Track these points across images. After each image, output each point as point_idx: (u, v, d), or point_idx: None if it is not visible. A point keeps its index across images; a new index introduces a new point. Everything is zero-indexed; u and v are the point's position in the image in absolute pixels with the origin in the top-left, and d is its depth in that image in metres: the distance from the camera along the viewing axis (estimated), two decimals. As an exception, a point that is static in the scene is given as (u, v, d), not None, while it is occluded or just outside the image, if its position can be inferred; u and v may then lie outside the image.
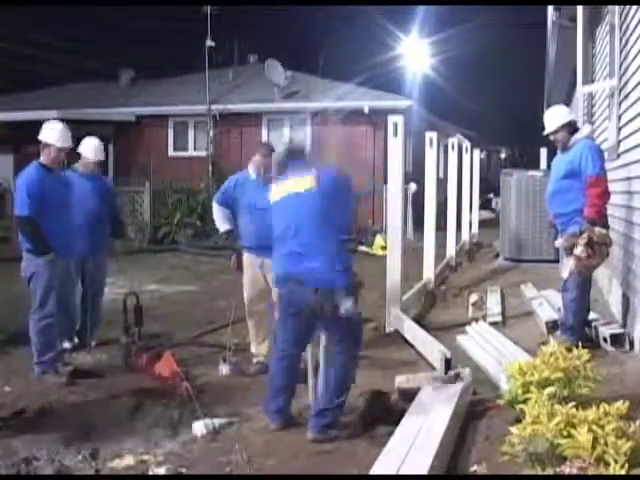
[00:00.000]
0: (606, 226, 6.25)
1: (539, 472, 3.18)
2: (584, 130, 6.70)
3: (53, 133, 6.45)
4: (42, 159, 6.48)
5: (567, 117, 6.57)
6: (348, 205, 5.18)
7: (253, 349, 6.73)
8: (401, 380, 5.47)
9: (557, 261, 11.19)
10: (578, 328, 6.34)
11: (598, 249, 6.03)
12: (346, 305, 4.68)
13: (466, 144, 15.59)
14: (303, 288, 4.77)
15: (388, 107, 18.36)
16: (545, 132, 6.63)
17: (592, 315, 6.75)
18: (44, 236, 6.29)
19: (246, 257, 6.60)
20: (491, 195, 28.72)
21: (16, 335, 7.74)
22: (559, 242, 6.47)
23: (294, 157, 5.21)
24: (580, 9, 8.49)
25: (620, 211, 7.34)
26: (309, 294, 4.74)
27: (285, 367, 5.04)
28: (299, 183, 4.92)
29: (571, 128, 6.51)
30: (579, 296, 6.35)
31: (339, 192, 4.96)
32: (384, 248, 12.41)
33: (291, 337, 5.04)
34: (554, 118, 6.56)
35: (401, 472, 3.62)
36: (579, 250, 5.92)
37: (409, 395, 5.11)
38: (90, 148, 7.57)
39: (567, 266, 6.18)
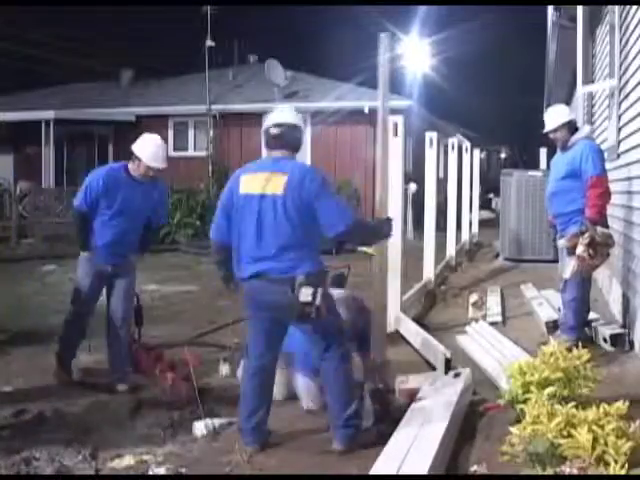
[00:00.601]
0: (606, 226, 6.25)
1: (539, 472, 3.18)
2: (584, 130, 6.70)
3: (146, 150, 6.23)
4: (130, 165, 6.35)
5: (567, 116, 6.56)
6: (326, 203, 4.58)
7: None
8: (401, 380, 5.47)
9: (557, 261, 11.21)
10: (578, 328, 6.34)
11: (600, 249, 6.03)
12: (304, 294, 4.48)
13: (466, 144, 15.58)
14: (264, 282, 4.58)
15: (388, 107, 18.36)
16: (545, 130, 6.62)
17: (592, 315, 6.75)
18: (87, 233, 6.12)
19: None
20: (491, 195, 28.71)
21: (17, 335, 7.75)
22: (561, 242, 6.42)
23: (287, 140, 4.73)
24: (580, 9, 8.49)
25: (620, 211, 7.34)
26: (268, 286, 4.57)
27: (257, 385, 4.74)
28: (268, 182, 4.60)
29: (571, 127, 6.50)
30: (579, 296, 6.35)
31: (310, 194, 4.52)
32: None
33: (260, 343, 4.76)
34: (555, 116, 6.55)
35: (401, 472, 3.62)
36: (581, 250, 5.91)
37: (409, 395, 5.11)
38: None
39: (569, 266, 6.17)
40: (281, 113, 4.89)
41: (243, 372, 4.96)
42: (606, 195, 6.25)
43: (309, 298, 4.47)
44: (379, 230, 5.17)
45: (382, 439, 4.30)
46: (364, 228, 5.14)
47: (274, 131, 4.73)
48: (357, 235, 4.89)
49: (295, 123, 4.78)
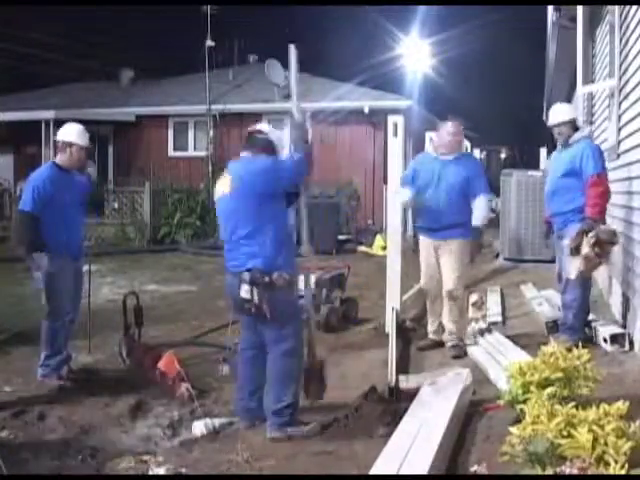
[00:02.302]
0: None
1: (539, 472, 3.18)
2: (584, 130, 6.72)
3: (73, 132, 6.43)
4: (59, 159, 6.48)
5: (572, 114, 6.69)
6: (276, 183, 4.89)
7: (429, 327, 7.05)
8: (401, 380, 5.47)
9: (554, 261, 11.21)
10: (579, 328, 6.35)
11: (606, 247, 6.03)
12: (243, 291, 4.71)
13: (466, 144, 15.58)
14: (231, 277, 4.90)
15: (388, 107, 18.38)
16: (549, 123, 6.70)
17: (592, 315, 6.76)
18: (37, 234, 6.16)
19: (421, 239, 7.07)
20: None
21: (17, 335, 7.75)
22: (565, 242, 6.38)
23: (256, 148, 5.06)
24: (580, 9, 8.49)
25: (620, 211, 7.34)
26: (234, 280, 4.85)
27: (243, 368, 5.14)
28: (224, 184, 5.00)
29: (573, 125, 6.56)
30: (579, 296, 6.36)
31: (254, 185, 4.82)
32: (384, 248, 12.41)
33: (243, 333, 5.23)
34: (560, 112, 6.64)
35: (401, 472, 3.62)
36: (587, 250, 5.90)
37: (409, 395, 5.11)
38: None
39: (574, 267, 6.15)
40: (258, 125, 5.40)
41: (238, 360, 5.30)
42: (607, 194, 6.26)
43: (247, 295, 4.73)
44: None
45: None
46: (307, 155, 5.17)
47: (247, 136, 5.21)
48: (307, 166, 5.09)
49: (263, 130, 5.20)
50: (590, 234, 5.90)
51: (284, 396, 4.85)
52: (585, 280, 6.34)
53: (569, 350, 4.47)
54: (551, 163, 6.92)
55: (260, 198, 4.81)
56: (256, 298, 4.70)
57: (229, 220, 4.95)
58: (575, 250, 6.08)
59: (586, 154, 6.25)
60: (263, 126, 5.36)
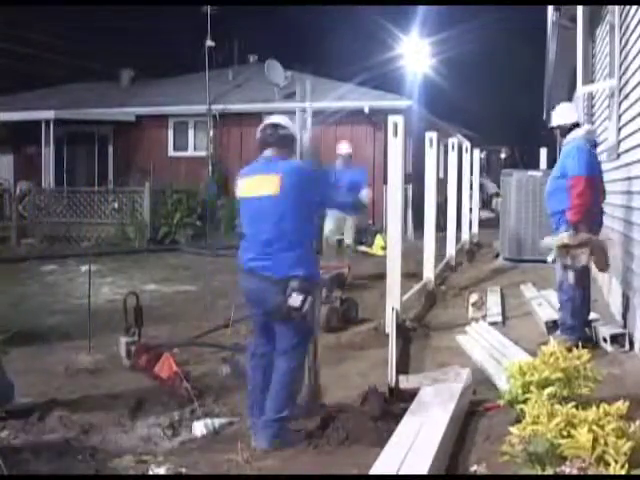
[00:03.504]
0: (592, 229, 6.30)
1: (539, 472, 3.18)
2: (579, 130, 6.67)
3: None
4: None
5: (569, 118, 6.71)
6: (321, 193, 4.85)
7: None
8: (401, 380, 5.47)
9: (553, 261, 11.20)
10: (578, 328, 6.35)
11: (574, 252, 6.07)
12: (294, 300, 4.55)
13: (466, 144, 15.58)
14: (257, 278, 4.71)
15: (388, 107, 18.39)
16: (551, 124, 6.86)
17: (592, 315, 6.76)
18: None
19: None
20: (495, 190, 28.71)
21: (17, 335, 7.74)
22: (544, 242, 6.61)
23: (277, 143, 4.87)
24: (580, 9, 8.49)
25: (620, 211, 7.34)
26: (259, 282, 4.69)
27: (256, 373, 4.96)
28: (263, 184, 4.73)
29: (570, 128, 6.64)
30: (574, 296, 6.38)
31: (304, 191, 4.68)
32: (384, 248, 12.41)
33: (255, 335, 5.04)
34: (558, 114, 6.77)
35: (401, 472, 3.61)
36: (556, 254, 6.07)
37: (409, 395, 5.11)
38: None
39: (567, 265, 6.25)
40: (273, 117, 5.07)
41: (247, 367, 5.13)
42: (584, 196, 6.20)
43: (298, 304, 4.57)
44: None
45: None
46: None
47: (267, 131, 4.90)
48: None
49: (283, 123, 4.93)
50: (558, 237, 6.03)
51: (284, 408, 4.75)
52: (579, 279, 6.34)
53: (569, 350, 4.48)
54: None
55: (307, 204, 4.74)
56: (305, 308, 4.57)
57: (266, 222, 4.70)
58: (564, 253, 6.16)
59: (572, 155, 6.32)
60: (281, 118, 5.04)
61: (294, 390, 4.85)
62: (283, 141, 4.88)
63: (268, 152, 4.85)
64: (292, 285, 4.56)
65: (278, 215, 4.65)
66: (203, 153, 21.01)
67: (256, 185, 4.78)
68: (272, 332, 4.85)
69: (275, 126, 4.89)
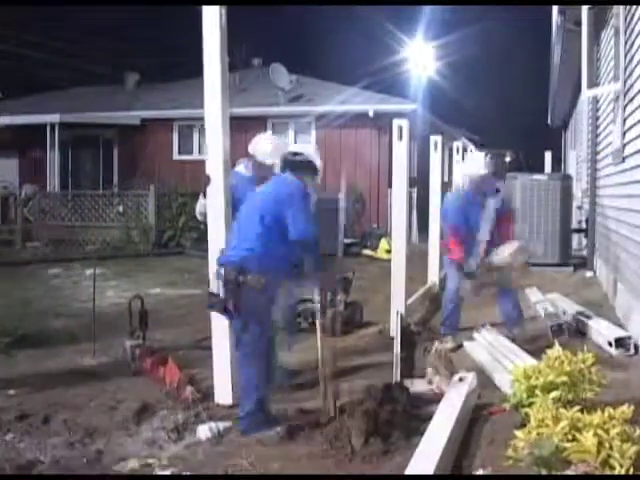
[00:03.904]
0: None
1: (544, 476, 3.17)
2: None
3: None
4: None
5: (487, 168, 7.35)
6: (300, 215, 4.90)
7: None
8: (406, 383, 5.46)
9: (562, 265, 11.21)
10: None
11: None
12: (212, 284, 4.74)
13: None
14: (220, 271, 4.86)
15: (393, 111, 18.38)
16: (480, 171, 7.26)
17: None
18: None
19: None
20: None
21: (22, 338, 7.76)
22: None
23: (296, 167, 5.23)
24: (585, 13, 8.49)
25: (625, 214, 7.33)
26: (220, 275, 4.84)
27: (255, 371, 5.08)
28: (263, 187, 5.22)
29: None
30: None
31: (286, 199, 4.93)
32: (388, 252, 12.41)
33: None
34: (486, 158, 7.56)
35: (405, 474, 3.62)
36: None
37: (414, 399, 5.10)
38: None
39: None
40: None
41: None
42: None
43: (214, 289, 4.73)
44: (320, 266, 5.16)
45: None
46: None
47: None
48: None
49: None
50: None
51: (245, 403, 4.94)
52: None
53: (574, 354, 4.47)
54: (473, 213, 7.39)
55: (273, 213, 4.91)
56: (222, 294, 4.72)
57: (245, 219, 5.05)
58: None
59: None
60: (301, 147, 5.66)
61: (250, 385, 4.94)
62: (300, 167, 5.22)
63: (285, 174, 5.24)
64: (218, 271, 4.72)
65: (254, 214, 4.93)
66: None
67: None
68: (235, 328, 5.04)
69: (294, 154, 5.32)
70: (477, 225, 7.28)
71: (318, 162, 5.30)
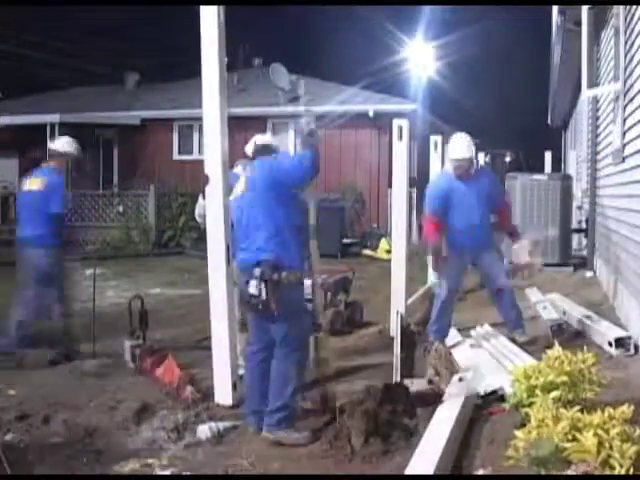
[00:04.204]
0: None
1: (544, 476, 3.17)
2: (481, 159, 7.37)
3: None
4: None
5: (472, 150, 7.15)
6: (288, 178, 4.96)
7: None
8: (406, 383, 5.46)
9: (562, 264, 11.21)
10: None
11: None
12: (252, 286, 4.66)
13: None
14: (241, 273, 4.93)
15: (393, 111, 18.38)
16: (457, 155, 7.07)
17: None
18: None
19: None
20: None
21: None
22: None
23: (261, 153, 5.32)
24: (585, 13, 8.48)
25: (625, 214, 7.33)
26: (243, 277, 4.87)
27: (253, 371, 5.12)
28: (240, 184, 5.22)
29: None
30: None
31: (272, 187, 4.92)
32: (388, 252, 12.41)
33: (254, 334, 5.18)
34: (469, 143, 7.12)
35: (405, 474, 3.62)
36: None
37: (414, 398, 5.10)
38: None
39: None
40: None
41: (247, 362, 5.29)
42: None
43: (254, 290, 4.66)
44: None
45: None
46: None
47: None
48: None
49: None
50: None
51: (280, 397, 4.86)
52: None
53: (574, 354, 4.47)
54: (461, 195, 7.14)
55: (269, 196, 4.89)
56: (264, 294, 4.64)
57: (243, 218, 5.04)
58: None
59: (497, 183, 7.52)
60: (264, 138, 5.72)
61: (288, 380, 4.89)
62: (263, 151, 5.36)
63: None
64: (252, 272, 4.69)
65: (248, 209, 4.97)
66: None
67: (237, 187, 5.33)
68: (264, 328, 4.98)
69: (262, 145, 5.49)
70: (463, 210, 7.08)
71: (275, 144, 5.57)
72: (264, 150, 5.35)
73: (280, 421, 4.85)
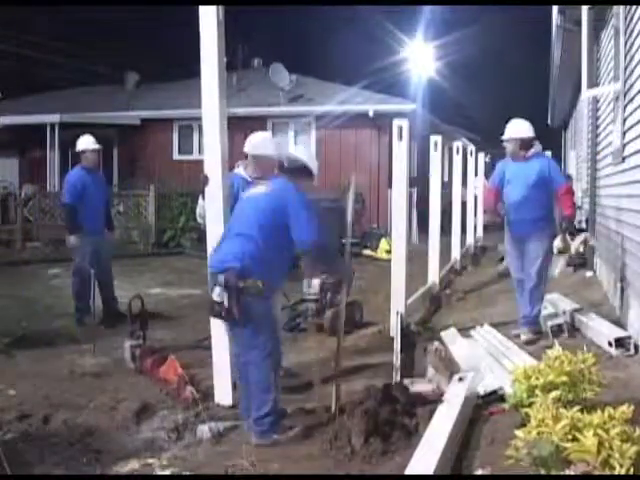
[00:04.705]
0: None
1: (544, 476, 3.17)
2: (538, 146, 7.79)
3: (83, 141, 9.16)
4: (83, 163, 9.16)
5: (529, 133, 7.37)
6: (303, 223, 4.79)
7: None
8: (406, 383, 5.46)
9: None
10: (538, 321, 7.28)
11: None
12: (215, 293, 4.63)
13: (471, 148, 15.57)
14: (210, 278, 4.85)
15: (393, 111, 18.37)
16: (504, 136, 7.43)
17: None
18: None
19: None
20: None
21: (22, 338, 7.76)
22: (558, 244, 7.86)
23: (293, 172, 5.14)
24: (585, 13, 8.48)
25: (625, 214, 7.33)
26: (211, 282, 4.81)
27: (238, 371, 5.14)
28: (256, 188, 5.16)
29: (524, 144, 7.33)
30: (543, 286, 7.39)
31: (284, 200, 4.85)
32: (388, 252, 12.42)
33: (229, 337, 5.22)
34: (524, 127, 7.37)
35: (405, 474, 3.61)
36: (577, 247, 6.95)
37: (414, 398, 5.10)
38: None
39: (559, 265, 6.92)
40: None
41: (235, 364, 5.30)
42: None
43: (217, 297, 4.64)
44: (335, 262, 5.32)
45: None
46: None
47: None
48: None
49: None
50: (581, 235, 6.94)
51: (263, 405, 4.84)
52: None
53: (573, 353, 4.47)
54: (513, 174, 7.49)
55: (268, 216, 4.85)
56: (226, 302, 4.62)
57: (236, 218, 5.05)
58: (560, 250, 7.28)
59: (553, 167, 7.43)
60: (299, 152, 5.55)
61: (268, 386, 4.87)
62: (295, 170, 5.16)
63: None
64: (219, 278, 4.64)
65: (248, 209, 4.96)
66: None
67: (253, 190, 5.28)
68: (235, 337, 5.03)
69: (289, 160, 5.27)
70: (512, 188, 7.42)
71: (314, 168, 5.24)
72: (298, 172, 5.15)
73: (268, 428, 4.85)
